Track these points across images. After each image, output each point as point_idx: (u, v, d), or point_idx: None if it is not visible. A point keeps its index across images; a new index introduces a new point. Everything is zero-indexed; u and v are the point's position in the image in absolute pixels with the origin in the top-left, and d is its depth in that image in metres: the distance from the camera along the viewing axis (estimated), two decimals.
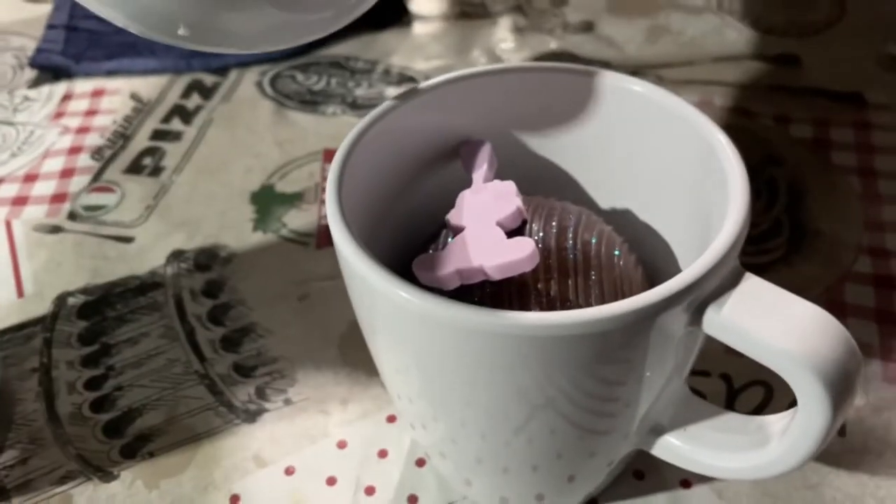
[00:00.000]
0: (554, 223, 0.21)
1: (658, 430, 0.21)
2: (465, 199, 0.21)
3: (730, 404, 0.27)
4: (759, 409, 0.27)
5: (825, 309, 0.29)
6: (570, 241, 0.20)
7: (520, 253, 0.19)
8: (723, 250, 0.18)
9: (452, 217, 0.21)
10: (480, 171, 0.22)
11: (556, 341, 0.17)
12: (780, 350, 0.17)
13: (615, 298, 0.20)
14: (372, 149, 0.21)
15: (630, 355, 0.18)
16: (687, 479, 0.25)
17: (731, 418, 0.21)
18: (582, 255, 0.20)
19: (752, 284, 0.18)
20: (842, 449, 0.26)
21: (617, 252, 0.21)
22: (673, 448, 0.21)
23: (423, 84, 0.23)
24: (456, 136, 0.23)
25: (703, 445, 0.21)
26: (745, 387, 0.28)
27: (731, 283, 0.18)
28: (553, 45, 0.43)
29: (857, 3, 0.45)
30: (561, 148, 0.24)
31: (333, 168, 0.20)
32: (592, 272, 0.20)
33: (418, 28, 0.45)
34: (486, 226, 0.20)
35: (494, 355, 0.18)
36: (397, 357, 0.21)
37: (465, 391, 0.20)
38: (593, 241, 0.21)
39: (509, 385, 0.19)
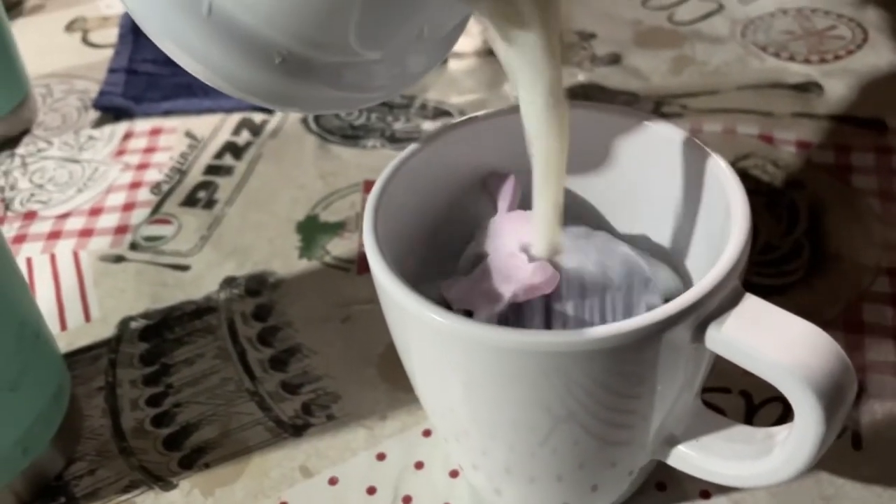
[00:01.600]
0: (573, 248, 0.23)
1: (672, 441, 0.23)
2: (491, 227, 0.23)
3: (749, 419, 0.28)
4: (778, 424, 0.28)
5: (843, 328, 0.31)
6: (589, 265, 0.22)
7: (540, 276, 0.21)
8: (722, 274, 0.19)
9: (479, 244, 0.23)
10: (505, 202, 0.24)
11: (571, 356, 0.19)
12: (775, 363, 0.18)
13: (629, 317, 0.22)
14: (405, 183, 0.23)
15: (641, 369, 0.20)
16: (706, 491, 0.26)
17: (741, 430, 0.22)
18: (600, 277, 0.22)
19: (751, 304, 0.19)
20: (858, 462, 0.27)
21: (632, 273, 0.23)
22: (686, 458, 0.23)
23: (454, 122, 0.25)
24: (483, 169, 0.25)
25: (714, 455, 0.22)
26: (763, 403, 0.29)
27: (732, 302, 0.19)
28: (581, 77, 0.45)
29: (879, 29, 0.46)
30: (580, 178, 0.26)
31: (370, 204, 0.22)
32: (608, 293, 0.22)
33: (453, 65, 0.48)
34: (509, 251, 0.22)
35: (518, 371, 0.20)
36: (430, 376, 0.23)
37: (493, 406, 0.22)
38: (609, 263, 0.22)
39: (533, 399, 0.21)
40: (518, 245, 0.23)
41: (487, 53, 0.48)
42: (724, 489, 0.26)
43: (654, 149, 0.25)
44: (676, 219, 0.25)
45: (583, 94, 0.44)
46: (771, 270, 0.33)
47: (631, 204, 0.26)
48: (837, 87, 0.42)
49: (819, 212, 0.36)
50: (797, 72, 0.44)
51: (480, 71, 0.47)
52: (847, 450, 0.27)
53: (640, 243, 0.26)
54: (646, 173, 0.25)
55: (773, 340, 0.19)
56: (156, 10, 0.18)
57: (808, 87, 0.42)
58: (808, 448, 0.19)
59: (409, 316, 0.20)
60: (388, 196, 0.23)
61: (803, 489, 0.26)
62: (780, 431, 0.21)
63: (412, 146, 0.24)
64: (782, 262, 0.34)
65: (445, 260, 0.25)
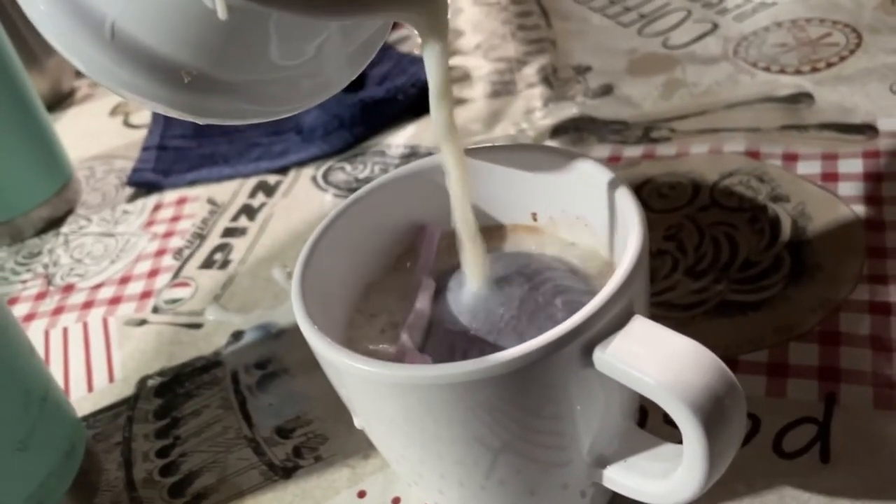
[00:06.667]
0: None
1: (603, 462, 0.23)
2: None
3: (777, 445, 0.28)
4: (811, 446, 0.27)
5: (820, 339, 0.30)
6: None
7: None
8: (605, 298, 0.20)
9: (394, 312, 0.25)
10: (425, 262, 0.26)
11: (469, 386, 0.20)
12: (653, 382, 0.19)
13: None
14: (334, 243, 0.25)
15: (543, 392, 0.21)
16: None
17: (668, 448, 0.23)
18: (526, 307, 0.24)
19: (637, 325, 0.20)
20: (825, 476, 0.26)
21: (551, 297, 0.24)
22: (614, 477, 0.23)
23: (380, 179, 0.27)
24: (412, 221, 0.27)
25: (637, 474, 0.23)
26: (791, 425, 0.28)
27: (619, 325, 0.20)
28: (574, 110, 0.46)
29: (873, 30, 0.45)
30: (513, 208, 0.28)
31: (298, 267, 0.24)
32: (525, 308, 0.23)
33: (457, 110, 0.49)
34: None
35: (430, 405, 0.21)
36: (374, 427, 0.24)
37: (432, 446, 0.23)
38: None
39: (465, 434, 0.22)
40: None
41: (487, 96, 0.50)
42: None
43: (578, 181, 0.26)
44: (609, 246, 0.26)
45: (573, 127, 0.45)
46: (749, 287, 0.33)
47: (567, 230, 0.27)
48: (829, 96, 0.42)
49: (803, 223, 0.35)
50: (788, 84, 0.43)
51: (480, 113, 0.49)
52: (815, 463, 0.27)
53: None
54: (574, 205, 0.26)
55: (653, 360, 0.19)
56: (62, 30, 0.19)
57: (798, 99, 0.42)
58: (699, 466, 0.19)
59: (324, 360, 0.22)
60: (318, 256, 0.25)
61: None
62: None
63: (344, 202, 0.26)
64: (761, 277, 0.34)
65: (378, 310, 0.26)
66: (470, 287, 0.25)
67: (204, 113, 0.21)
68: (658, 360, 0.19)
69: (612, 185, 0.24)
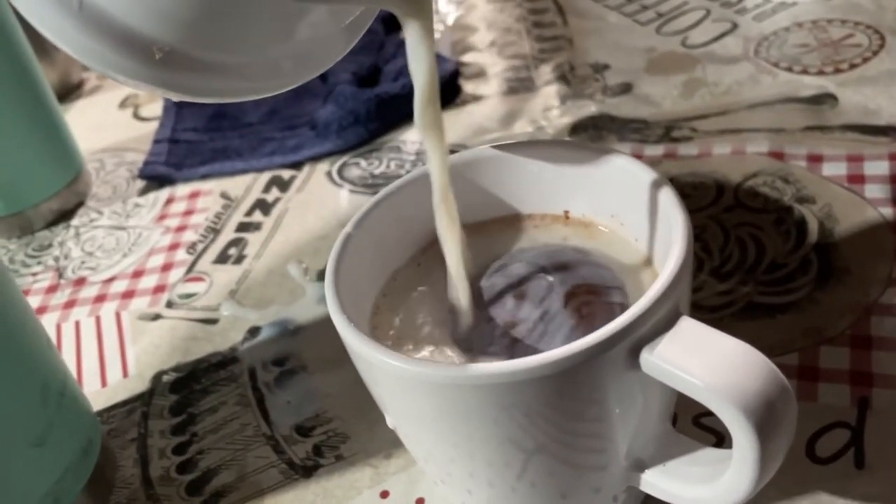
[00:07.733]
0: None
1: (641, 466, 0.23)
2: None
3: (810, 450, 0.27)
4: (845, 451, 0.27)
5: (851, 342, 0.30)
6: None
7: None
8: (652, 300, 0.20)
9: None
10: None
11: (509, 387, 0.20)
12: (704, 385, 0.18)
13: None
14: (365, 240, 0.25)
15: (584, 395, 0.20)
16: None
17: (707, 453, 0.22)
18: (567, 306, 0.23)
19: (686, 326, 0.20)
20: (860, 482, 0.26)
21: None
22: (653, 482, 0.23)
23: (407, 177, 0.26)
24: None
25: (677, 479, 0.22)
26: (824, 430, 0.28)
27: (666, 326, 0.20)
28: (593, 108, 0.46)
29: None
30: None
31: (330, 264, 0.24)
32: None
33: (472, 107, 0.49)
34: None
35: (467, 405, 0.21)
36: (403, 424, 0.24)
37: (463, 446, 0.22)
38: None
39: (499, 434, 0.22)
40: None
41: (504, 93, 0.49)
42: None
43: (612, 178, 0.25)
44: (647, 245, 0.25)
45: (592, 126, 0.44)
46: (776, 289, 0.33)
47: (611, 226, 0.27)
48: (852, 97, 0.41)
49: (830, 225, 0.35)
50: (810, 84, 0.43)
51: (497, 111, 0.48)
52: (849, 469, 0.26)
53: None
54: (609, 202, 0.26)
55: (704, 362, 0.19)
56: (31, 1, 0.18)
57: (821, 100, 0.42)
58: (749, 472, 0.19)
59: (358, 357, 0.22)
60: (348, 253, 0.24)
61: None
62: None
63: (373, 200, 0.26)
64: (789, 279, 0.33)
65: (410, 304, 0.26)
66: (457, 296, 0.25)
67: (180, 90, 0.20)
68: (708, 362, 0.19)
69: (651, 182, 0.24)
